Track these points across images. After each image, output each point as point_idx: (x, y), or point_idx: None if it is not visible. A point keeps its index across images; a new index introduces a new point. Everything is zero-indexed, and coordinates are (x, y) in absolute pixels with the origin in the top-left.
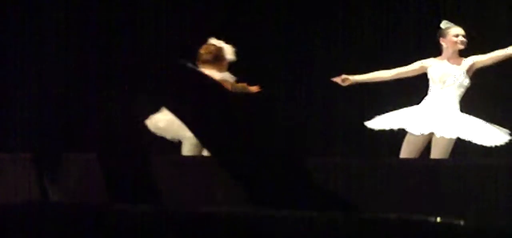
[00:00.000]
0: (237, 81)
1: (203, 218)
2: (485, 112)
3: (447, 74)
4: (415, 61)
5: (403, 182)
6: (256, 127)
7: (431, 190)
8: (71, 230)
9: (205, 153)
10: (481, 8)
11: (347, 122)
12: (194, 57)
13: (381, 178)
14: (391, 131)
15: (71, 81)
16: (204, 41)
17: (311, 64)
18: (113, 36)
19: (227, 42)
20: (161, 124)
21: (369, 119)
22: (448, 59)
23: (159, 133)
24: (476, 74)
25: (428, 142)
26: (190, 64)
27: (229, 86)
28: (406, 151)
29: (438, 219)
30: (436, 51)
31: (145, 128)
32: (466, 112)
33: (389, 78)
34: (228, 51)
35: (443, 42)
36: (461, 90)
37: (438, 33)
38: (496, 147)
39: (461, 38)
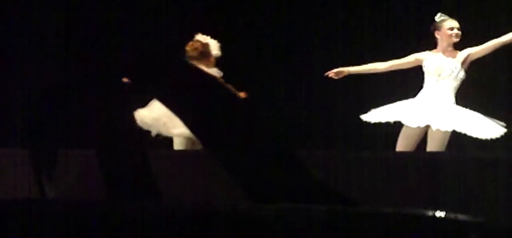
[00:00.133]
0: (224, 78)
1: (203, 213)
2: (480, 105)
3: (442, 67)
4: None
5: (401, 175)
6: (254, 123)
7: (430, 183)
8: (70, 227)
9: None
10: (477, 2)
11: (345, 116)
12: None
13: (379, 171)
14: (387, 124)
15: (69, 78)
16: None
17: (310, 64)
18: (113, 36)
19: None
20: (148, 120)
21: (365, 112)
22: (443, 52)
23: (145, 127)
24: (471, 67)
25: (424, 134)
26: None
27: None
28: (403, 144)
29: (437, 213)
30: (432, 44)
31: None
32: (462, 105)
33: (383, 70)
34: (214, 46)
35: (438, 35)
36: (457, 83)
37: (433, 26)
38: (491, 139)
39: (456, 31)
